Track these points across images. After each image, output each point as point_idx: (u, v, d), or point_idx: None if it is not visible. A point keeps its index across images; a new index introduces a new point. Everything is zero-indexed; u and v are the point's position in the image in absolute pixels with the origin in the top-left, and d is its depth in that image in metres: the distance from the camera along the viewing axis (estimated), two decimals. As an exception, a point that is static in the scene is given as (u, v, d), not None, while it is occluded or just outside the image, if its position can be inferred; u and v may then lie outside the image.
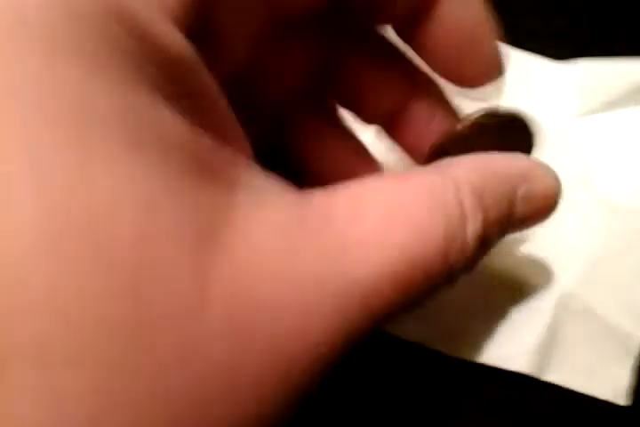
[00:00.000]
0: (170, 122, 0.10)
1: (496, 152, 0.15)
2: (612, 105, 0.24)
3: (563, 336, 0.22)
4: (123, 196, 0.09)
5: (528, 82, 0.24)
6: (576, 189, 0.23)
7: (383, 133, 0.19)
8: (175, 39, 0.10)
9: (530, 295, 0.22)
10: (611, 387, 0.21)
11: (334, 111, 0.19)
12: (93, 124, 0.09)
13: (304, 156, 0.18)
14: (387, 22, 0.16)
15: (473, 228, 0.13)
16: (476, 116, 0.16)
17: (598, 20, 0.26)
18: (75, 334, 0.08)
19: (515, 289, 0.22)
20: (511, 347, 0.22)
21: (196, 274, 0.09)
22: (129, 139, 0.09)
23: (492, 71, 0.16)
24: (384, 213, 0.12)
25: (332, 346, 0.11)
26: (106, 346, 0.08)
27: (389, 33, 0.17)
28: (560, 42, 0.26)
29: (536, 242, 0.22)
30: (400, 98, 0.18)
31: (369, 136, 0.19)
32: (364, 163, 0.19)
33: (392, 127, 0.18)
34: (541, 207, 0.15)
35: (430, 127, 0.17)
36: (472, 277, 0.21)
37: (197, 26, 0.11)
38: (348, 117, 0.19)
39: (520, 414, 0.21)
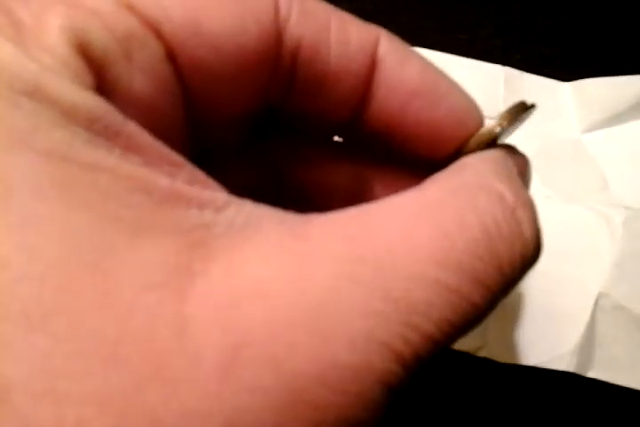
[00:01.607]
0: (116, 159, 0.10)
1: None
2: (617, 118, 0.26)
3: (600, 334, 0.23)
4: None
5: (536, 101, 0.26)
6: (594, 192, 0.25)
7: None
8: (81, 96, 0.10)
9: (567, 297, 0.23)
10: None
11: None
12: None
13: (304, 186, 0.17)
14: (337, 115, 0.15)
15: (522, 212, 0.12)
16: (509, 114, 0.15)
17: (610, 49, 0.28)
18: None
19: (552, 292, 0.23)
20: (556, 348, 0.23)
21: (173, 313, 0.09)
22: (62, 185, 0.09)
23: (465, 118, 0.15)
24: (403, 220, 0.11)
25: (363, 387, 0.09)
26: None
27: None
28: (572, 68, 0.27)
29: (565, 245, 0.24)
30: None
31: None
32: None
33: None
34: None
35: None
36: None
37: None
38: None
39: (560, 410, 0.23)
